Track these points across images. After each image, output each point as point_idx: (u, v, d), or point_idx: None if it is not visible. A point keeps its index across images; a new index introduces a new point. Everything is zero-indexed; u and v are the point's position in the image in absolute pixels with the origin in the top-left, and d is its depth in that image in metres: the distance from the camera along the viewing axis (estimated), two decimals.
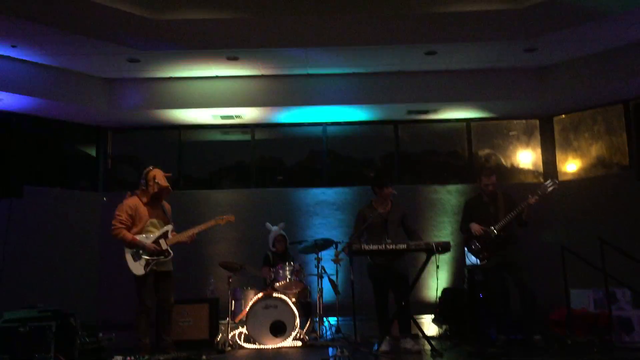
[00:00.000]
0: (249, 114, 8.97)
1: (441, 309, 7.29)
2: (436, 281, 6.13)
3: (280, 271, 6.59)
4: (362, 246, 5.28)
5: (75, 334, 5.61)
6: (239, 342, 6.22)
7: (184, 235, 5.58)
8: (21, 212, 7.19)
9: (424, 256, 5.42)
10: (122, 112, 8.74)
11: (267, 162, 9.77)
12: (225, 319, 6.43)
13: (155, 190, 5.53)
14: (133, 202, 5.52)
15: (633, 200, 8.09)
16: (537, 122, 9.43)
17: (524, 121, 9.51)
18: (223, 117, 9.05)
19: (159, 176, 5.57)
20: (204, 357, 4.95)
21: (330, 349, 5.70)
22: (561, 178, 8.95)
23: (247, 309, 6.22)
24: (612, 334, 5.78)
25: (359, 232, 5.79)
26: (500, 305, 5.83)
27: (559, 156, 9.30)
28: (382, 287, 5.75)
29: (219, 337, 6.21)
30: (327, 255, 7.25)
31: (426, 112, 9.02)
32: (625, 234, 7.59)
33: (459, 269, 8.29)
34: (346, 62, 8.24)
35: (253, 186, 9.40)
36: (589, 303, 6.82)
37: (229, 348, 5.93)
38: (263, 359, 5.11)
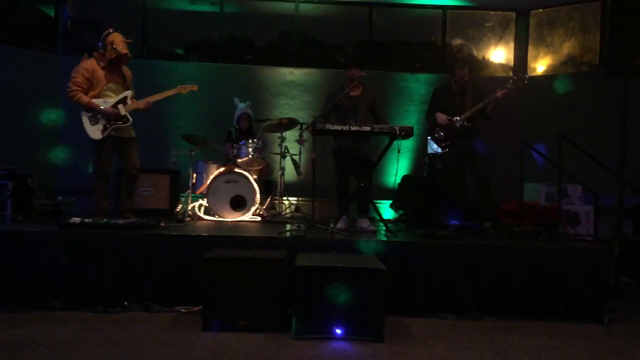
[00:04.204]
0: None
1: (399, 195, 7.46)
2: (397, 167, 6.22)
3: (243, 148, 6.54)
4: (326, 126, 5.23)
5: (32, 195, 5.60)
6: (198, 213, 6.28)
7: (143, 102, 5.42)
8: None
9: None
10: None
11: (236, 40, 9.42)
12: (185, 191, 6.45)
13: (113, 56, 5.28)
14: (90, 65, 5.27)
15: (598, 99, 8.16)
16: (514, 14, 9.24)
17: (500, 13, 9.31)
18: None
19: (117, 41, 5.29)
20: (162, 224, 4.97)
21: (287, 225, 5.81)
22: (530, 74, 8.94)
23: (209, 182, 6.24)
24: (559, 225, 6.02)
25: (326, 112, 5.71)
26: (456, 193, 5.98)
27: (531, 52, 9.22)
28: (344, 169, 5.78)
29: (179, 207, 6.26)
30: (291, 136, 7.23)
31: None
32: (586, 133, 7.72)
33: (420, 158, 8.41)
34: None
35: (220, 62, 9.12)
36: (540, 197, 7.06)
37: (189, 218, 5.98)
38: (222, 230, 5.18)
